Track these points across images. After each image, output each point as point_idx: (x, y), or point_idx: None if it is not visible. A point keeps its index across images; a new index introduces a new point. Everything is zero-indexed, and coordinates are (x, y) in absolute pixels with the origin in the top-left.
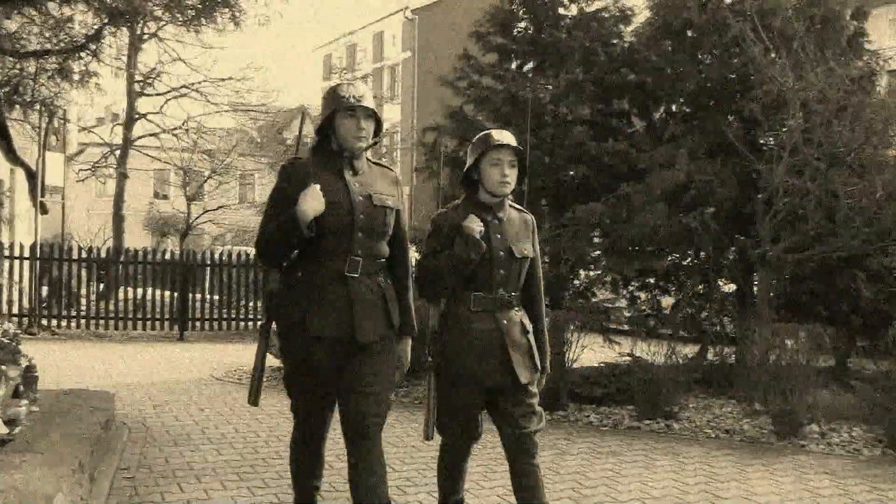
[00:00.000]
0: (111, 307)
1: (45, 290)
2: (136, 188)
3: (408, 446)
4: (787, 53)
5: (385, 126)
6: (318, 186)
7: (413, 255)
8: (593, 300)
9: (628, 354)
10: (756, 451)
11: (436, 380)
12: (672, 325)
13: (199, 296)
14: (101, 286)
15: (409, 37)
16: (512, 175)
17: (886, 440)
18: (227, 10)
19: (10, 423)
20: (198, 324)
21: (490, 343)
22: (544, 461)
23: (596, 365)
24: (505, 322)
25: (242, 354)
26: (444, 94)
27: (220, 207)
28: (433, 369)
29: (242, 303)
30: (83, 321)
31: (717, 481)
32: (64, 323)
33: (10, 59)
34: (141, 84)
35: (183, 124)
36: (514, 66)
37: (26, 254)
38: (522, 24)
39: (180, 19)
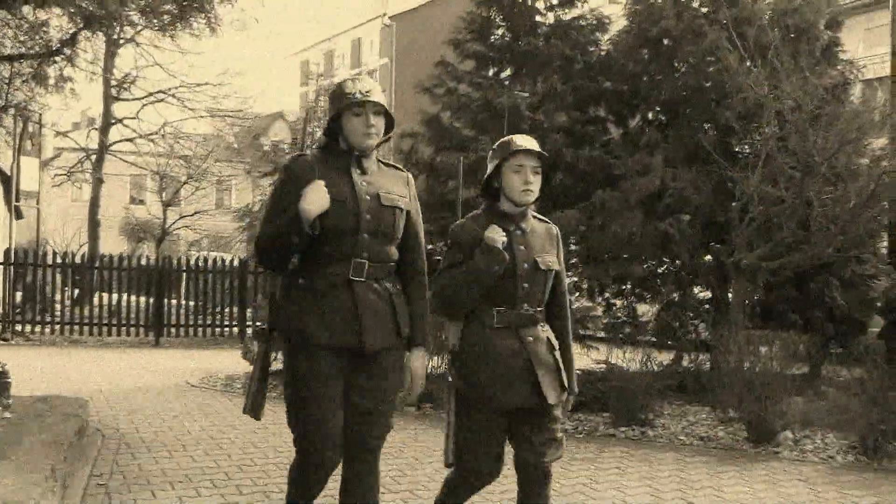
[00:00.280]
0: (86, 313)
1: (19, 296)
2: (112, 193)
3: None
4: (762, 62)
5: None
6: (321, 182)
7: None
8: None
9: (604, 362)
10: (730, 458)
11: (456, 401)
12: (647, 332)
13: (174, 302)
14: (76, 292)
15: (387, 43)
16: (535, 182)
17: (859, 447)
18: (202, 15)
19: None
20: (173, 330)
21: (514, 362)
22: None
23: None
24: (530, 339)
25: (218, 361)
26: (421, 101)
27: (197, 213)
28: (454, 390)
29: (218, 309)
30: (57, 327)
31: (692, 488)
32: (38, 329)
33: None
34: (117, 89)
35: (159, 129)
36: (491, 73)
37: (0, 259)
38: (500, 32)
39: (156, 24)
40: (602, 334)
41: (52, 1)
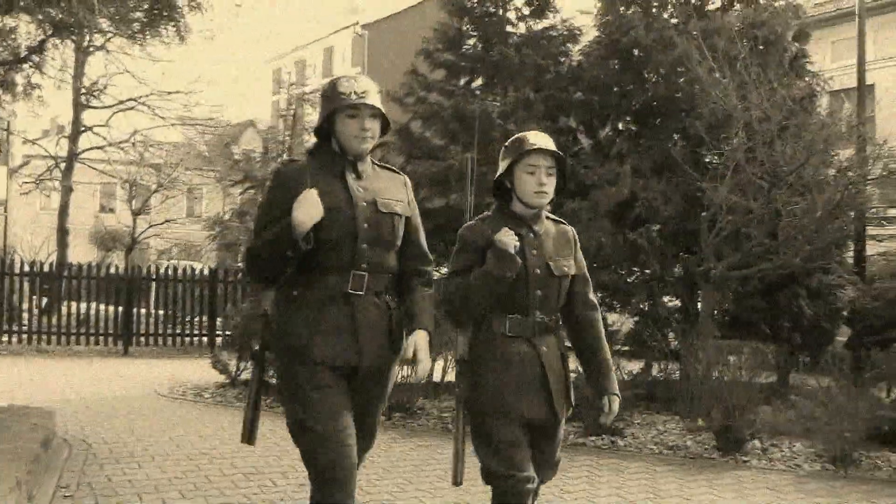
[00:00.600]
0: (54, 322)
1: None
2: (82, 201)
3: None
4: (731, 73)
5: None
6: (314, 191)
7: None
8: None
9: (574, 371)
10: (699, 467)
11: (465, 415)
12: (618, 341)
13: (143, 311)
14: (44, 301)
15: (359, 52)
16: (550, 184)
17: (826, 455)
18: (171, 23)
19: None
20: (142, 339)
21: (529, 371)
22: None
23: None
24: (544, 349)
25: (187, 370)
26: (392, 110)
27: (167, 222)
28: (462, 403)
29: (188, 318)
30: (25, 336)
31: (661, 497)
32: (5, 338)
33: None
34: (87, 96)
35: (130, 138)
36: (462, 82)
37: None
38: (471, 42)
39: (126, 32)
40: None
41: (19, 7)
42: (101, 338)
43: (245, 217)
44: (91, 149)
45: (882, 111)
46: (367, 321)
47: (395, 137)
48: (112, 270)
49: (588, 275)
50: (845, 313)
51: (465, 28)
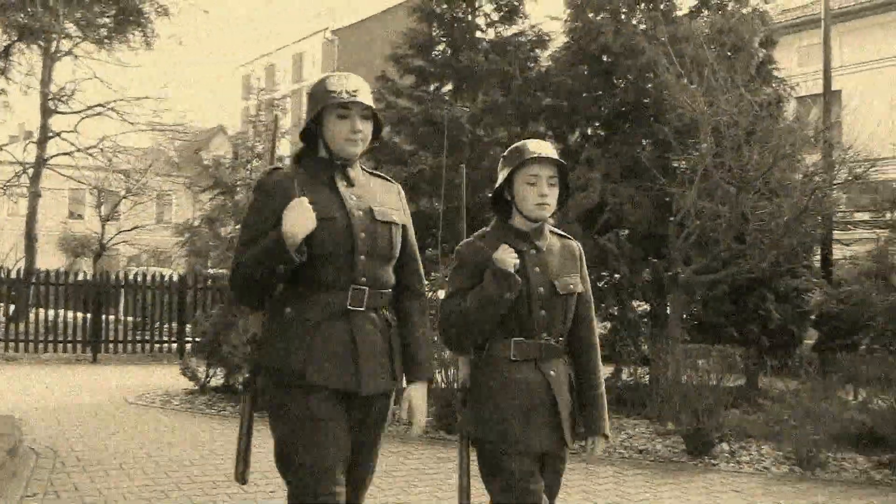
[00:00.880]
0: (21, 329)
1: None
2: (50, 207)
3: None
4: (698, 79)
5: None
6: (305, 199)
7: None
8: None
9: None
10: (668, 471)
11: (469, 445)
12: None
13: (112, 318)
14: (12, 308)
15: (330, 58)
16: (552, 195)
17: (793, 458)
18: (138, 29)
19: None
20: (111, 346)
21: (536, 398)
22: (453, 484)
23: None
24: (552, 373)
25: (156, 378)
26: None
27: (136, 228)
28: (465, 433)
29: (157, 325)
30: None
31: (630, 501)
32: None
33: None
34: (55, 101)
35: (98, 143)
36: (432, 88)
37: None
38: (441, 47)
39: (93, 38)
40: None
41: None
42: (70, 345)
43: (215, 224)
44: (59, 154)
45: (848, 116)
46: (366, 342)
47: None
48: (80, 277)
49: (591, 296)
50: (813, 316)
51: (434, 34)
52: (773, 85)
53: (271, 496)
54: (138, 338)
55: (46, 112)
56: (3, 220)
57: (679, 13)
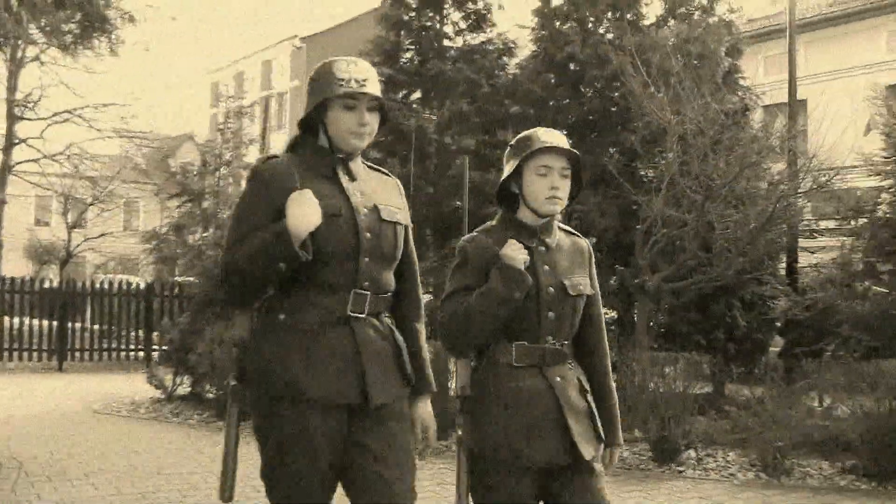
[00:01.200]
0: None
1: None
2: (16, 214)
3: None
4: (665, 88)
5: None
6: (309, 192)
7: None
8: None
9: None
10: (635, 478)
11: (468, 459)
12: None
13: (78, 325)
14: None
15: (298, 65)
16: (564, 188)
17: (759, 464)
18: (104, 35)
19: None
20: (77, 354)
21: (540, 408)
22: (426, 492)
23: None
24: (558, 379)
25: (123, 386)
26: None
27: (103, 235)
28: (464, 446)
29: (124, 333)
30: None
31: None
32: None
33: None
34: (20, 108)
35: (65, 150)
36: (399, 95)
37: None
38: (408, 55)
39: (58, 44)
40: None
41: None
42: (35, 353)
43: (182, 231)
44: (25, 161)
45: (812, 125)
46: (371, 348)
47: None
48: (46, 284)
49: (600, 297)
50: (778, 324)
51: (402, 42)
52: (740, 94)
53: None
54: (105, 346)
55: (12, 118)
56: None
57: (646, 23)
